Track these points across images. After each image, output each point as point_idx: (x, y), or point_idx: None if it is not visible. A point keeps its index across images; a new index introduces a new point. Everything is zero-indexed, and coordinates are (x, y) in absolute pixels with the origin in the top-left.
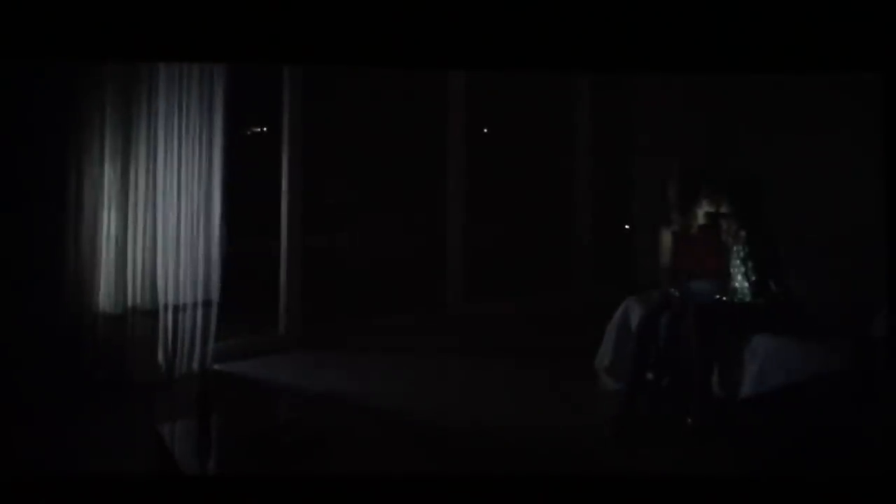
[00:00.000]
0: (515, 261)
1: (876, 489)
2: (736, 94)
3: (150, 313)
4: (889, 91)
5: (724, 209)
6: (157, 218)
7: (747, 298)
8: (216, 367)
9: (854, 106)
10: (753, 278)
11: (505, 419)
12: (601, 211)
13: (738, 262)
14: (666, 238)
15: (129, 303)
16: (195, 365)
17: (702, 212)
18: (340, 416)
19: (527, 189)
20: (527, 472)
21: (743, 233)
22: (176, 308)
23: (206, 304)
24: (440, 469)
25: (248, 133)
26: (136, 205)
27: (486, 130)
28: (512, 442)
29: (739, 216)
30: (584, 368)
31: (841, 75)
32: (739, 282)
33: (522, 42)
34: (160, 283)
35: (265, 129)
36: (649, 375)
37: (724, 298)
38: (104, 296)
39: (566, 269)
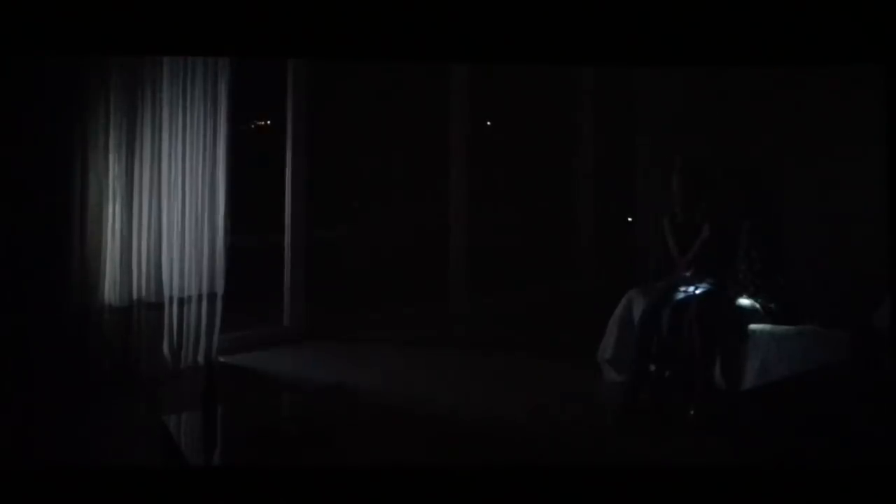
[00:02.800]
0: (518, 253)
1: (878, 479)
2: (739, 87)
3: (156, 306)
4: (892, 83)
5: (727, 201)
6: (162, 211)
7: (750, 290)
8: (221, 359)
9: (857, 98)
10: (758, 268)
11: (508, 411)
12: (604, 204)
13: (741, 253)
14: (669, 230)
15: (135, 295)
16: (200, 357)
17: (705, 204)
18: (345, 408)
19: (529, 182)
20: (530, 462)
21: (747, 223)
22: (181, 300)
23: (211, 296)
24: (443, 460)
25: (252, 126)
26: (140, 198)
27: (489, 123)
28: (515, 433)
29: (743, 208)
30: (586, 360)
31: (844, 67)
32: (743, 273)
33: (525, 35)
34: (165, 275)
35: (269, 122)
36: (651, 367)
37: (727, 290)
38: (109, 288)
39: (569, 262)
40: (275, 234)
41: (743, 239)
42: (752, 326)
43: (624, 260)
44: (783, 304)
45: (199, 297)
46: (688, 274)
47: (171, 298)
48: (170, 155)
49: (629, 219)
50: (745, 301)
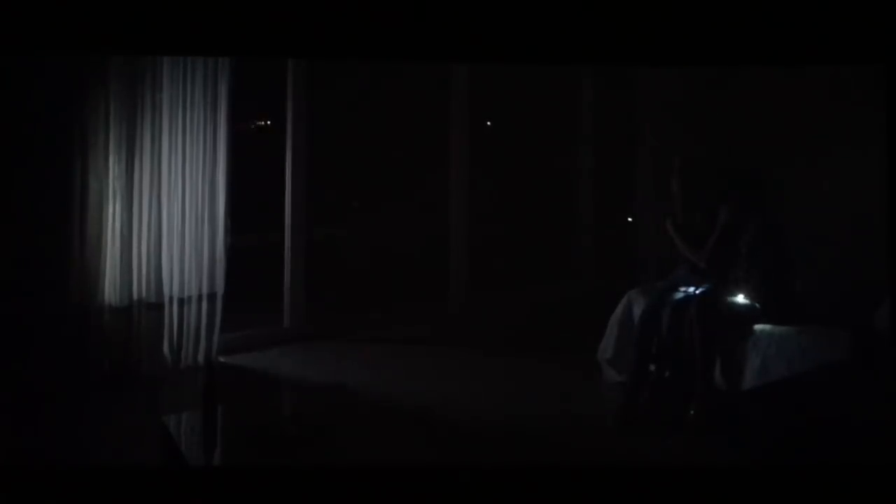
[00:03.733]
0: (518, 253)
1: (877, 479)
2: (739, 87)
3: (156, 306)
4: (892, 82)
5: (729, 202)
6: (162, 211)
7: (751, 290)
8: (221, 359)
9: (858, 98)
10: (760, 268)
11: (508, 411)
12: (603, 204)
13: (745, 252)
14: (674, 232)
15: (135, 295)
16: (200, 357)
17: (706, 204)
18: (345, 407)
19: (529, 182)
20: (529, 462)
21: (750, 225)
22: (181, 300)
23: (211, 296)
24: (443, 460)
25: (253, 126)
26: (140, 198)
27: (489, 124)
28: (515, 433)
29: (745, 209)
30: (586, 360)
31: (845, 66)
32: (745, 272)
33: (525, 35)
34: (165, 275)
35: (269, 122)
36: (651, 367)
37: (727, 290)
38: (109, 288)
39: (569, 262)
40: (275, 234)
41: (746, 238)
42: (753, 326)
43: (624, 260)
44: (783, 304)
45: (200, 296)
46: (703, 265)
47: (171, 298)
48: (170, 155)
49: (629, 219)
50: (744, 300)
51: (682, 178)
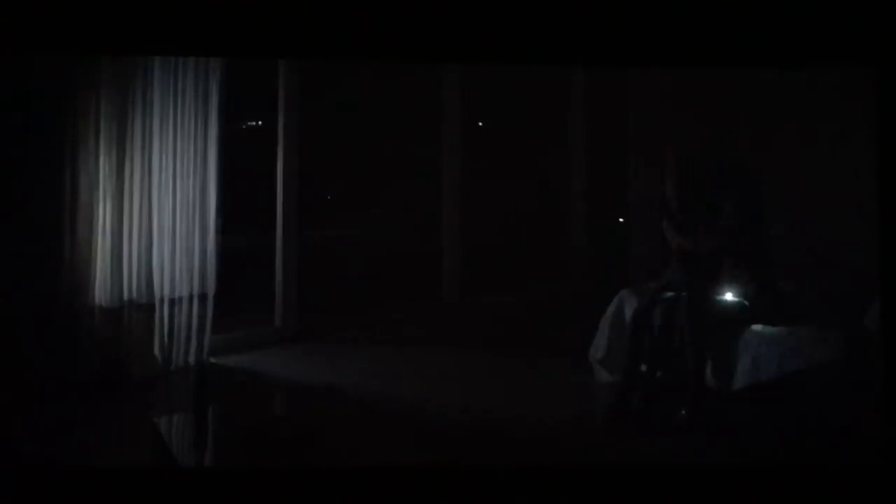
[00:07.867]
0: (511, 253)
1: (869, 479)
2: (731, 89)
3: (147, 307)
4: (883, 85)
5: (727, 199)
6: (153, 211)
7: (741, 289)
8: (212, 360)
9: (849, 100)
10: (750, 269)
11: (500, 411)
12: (596, 204)
13: (739, 250)
14: (672, 231)
15: (125, 296)
16: (191, 358)
17: (700, 204)
18: (337, 408)
19: (522, 182)
20: (521, 463)
21: (745, 224)
22: (172, 301)
23: (202, 297)
24: (435, 460)
25: (244, 127)
26: (131, 198)
27: (480, 124)
28: (507, 433)
29: (738, 209)
30: (578, 360)
31: (835, 69)
32: (733, 271)
33: (517, 35)
34: (156, 276)
35: (260, 122)
36: (643, 367)
37: (718, 290)
38: (100, 289)
39: (561, 262)
40: (266, 235)
41: (738, 240)
42: (745, 326)
43: (616, 260)
44: (775, 304)
45: (191, 297)
46: (706, 252)
47: (161, 299)
48: (160, 155)
49: (620, 219)
50: (735, 300)
51: (677, 177)
